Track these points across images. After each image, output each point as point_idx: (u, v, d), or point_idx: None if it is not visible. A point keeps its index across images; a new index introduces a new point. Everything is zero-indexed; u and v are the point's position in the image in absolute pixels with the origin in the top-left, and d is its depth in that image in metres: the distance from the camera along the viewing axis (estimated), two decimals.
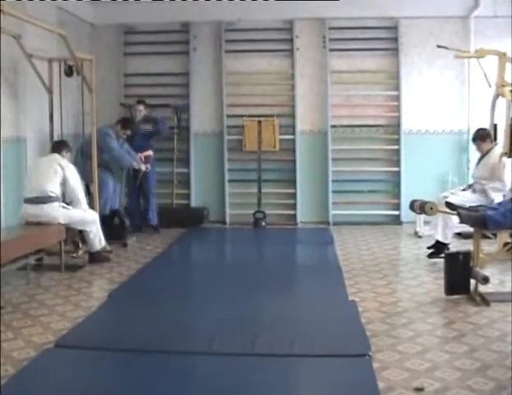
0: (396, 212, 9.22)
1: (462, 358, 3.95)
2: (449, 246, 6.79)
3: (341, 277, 6.03)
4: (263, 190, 9.23)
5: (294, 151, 9.35)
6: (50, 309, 5.12)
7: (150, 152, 8.61)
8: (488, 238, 6.64)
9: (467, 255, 5.31)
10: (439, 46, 7.75)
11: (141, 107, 8.73)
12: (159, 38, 9.37)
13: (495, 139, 7.13)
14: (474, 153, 8.91)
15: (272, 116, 9.22)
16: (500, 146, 6.85)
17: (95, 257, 6.82)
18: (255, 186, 9.21)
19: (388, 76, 9.26)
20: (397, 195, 9.20)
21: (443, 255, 5.54)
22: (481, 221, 5.16)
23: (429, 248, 6.92)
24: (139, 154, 8.36)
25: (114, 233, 7.68)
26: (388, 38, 9.23)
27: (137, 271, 6.46)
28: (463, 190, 7.13)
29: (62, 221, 6.40)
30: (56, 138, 7.34)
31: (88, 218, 6.72)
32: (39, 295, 5.54)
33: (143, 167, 8.16)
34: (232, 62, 9.32)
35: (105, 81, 9.06)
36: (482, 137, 7.05)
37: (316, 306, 5.15)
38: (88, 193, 7.73)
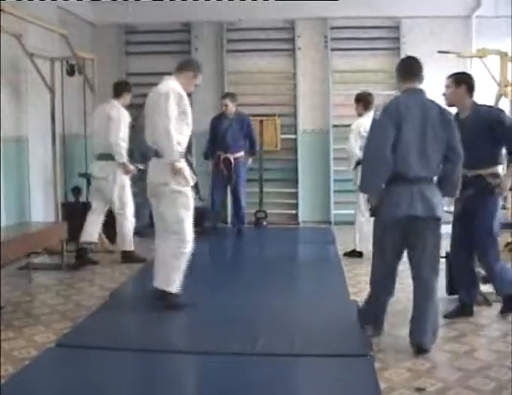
0: None
1: (463, 358, 3.96)
2: None
3: (342, 277, 6.03)
4: (265, 189, 9.22)
5: (295, 150, 9.35)
6: (51, 308, 5.13)
7: (240, 154, 8.34)
8: None
9: None
10: (440, 52, 7.75)
11: (227, 101, 8.25)
12: (160, 37, 9.38)
13: None
14: None
15: (274, 115, 9.22)
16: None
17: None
18: (257, 185, 9.20)
19: (389, 76, 9.21)
20: None
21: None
22: None
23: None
24: (228, 154, 8.22)
25: (116, 232, 7.68)
26: (389, 37, 9.23)
27: (138, 271, 6.47)
28: None
29: None
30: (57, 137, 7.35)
31: None
32: (41, 295, 5.56)
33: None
34: (233, 62, 9.32)
35: (107, 81, 9.03)
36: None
37: (317, 306, 5.15)
38: (89, 187, 7.71)
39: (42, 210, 7.41)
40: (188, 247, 5.08)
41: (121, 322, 4.74)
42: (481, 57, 7.40)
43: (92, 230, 6.84)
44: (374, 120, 4.21)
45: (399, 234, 4.16)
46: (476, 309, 4.98)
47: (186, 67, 5.35)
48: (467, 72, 5.05)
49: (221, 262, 7.34)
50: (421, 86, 4.28)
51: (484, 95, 8.09)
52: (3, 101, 6.37)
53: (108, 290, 5.65)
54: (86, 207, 7.51)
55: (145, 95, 8.84)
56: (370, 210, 4.33)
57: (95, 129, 6.86)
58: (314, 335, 4.43)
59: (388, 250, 4.23)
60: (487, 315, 4.87)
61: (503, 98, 7.07)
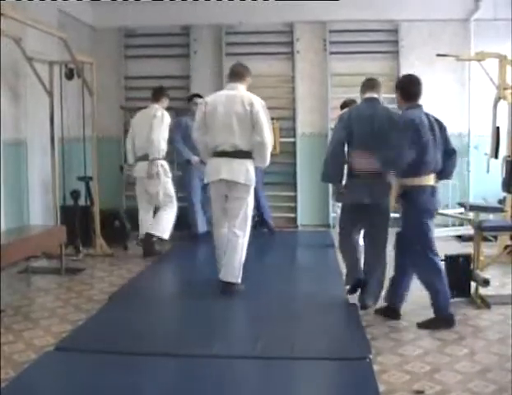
0: (396, 215, 9.16)
1: (462, 361, 3.96)
2: None
3: (341, 280, 6.01)
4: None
5: (294, 153, 9.34)
6: (51, 311, 5.13)
7: None
8: (488, 240, 6.65)
9: (467, 258, 5.31)
10: (438, 55, 7.77)
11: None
12: (159, 41, 9.38)
13: (498, 142, 7.10)
14: (475, 156, 8.94)
15: (273, 119, 9.11)
16: None
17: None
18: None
19: (388, 79, 9.18)
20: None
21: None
22: None
23: None
24: None
25: (115, 236, 7.70)
26: (388, 41, 9.24)
27: (137, 274, 6.46)
28: None
29: None
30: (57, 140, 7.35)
31: None
32: (40, 298, 5.55)
33: (196, 158, 7.76)
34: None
35: (106, 84, 9.06)
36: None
37: (317, 309, 5.15)
38: (88, 191, 7.71)
39: (41, 213, 7.41)
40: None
41: (120, 326, 4.73)
42: (479, 60, 7.41)
43: (144, 226, 7.36)
44: (334, 127, 5.38)
45: (355, 213, 5.19)
46: (475, 311, 5.00)
47: (247, 73, 5.87)
48: (412, 74, 5.01)
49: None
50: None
51: (483, 98, 8.16)
52: (3, 105, 6.38)
53: (107, 294, 5.64)
54: (84, 211, 7.53)
55: (144, 99, 9.00)
56: (336, 196, 5.48)
57: (137, 132, 7.36)
58: (314, 338, 4.43)
59: (349, 224, 5.27)
60: (487, 318, 4.87)
61: (502, 101, 7.07)
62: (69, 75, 7.33)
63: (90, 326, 4.74)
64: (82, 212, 7.48)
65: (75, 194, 7.45)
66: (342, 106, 7.06)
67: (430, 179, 4.74)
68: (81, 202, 7.63)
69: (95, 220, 7.42)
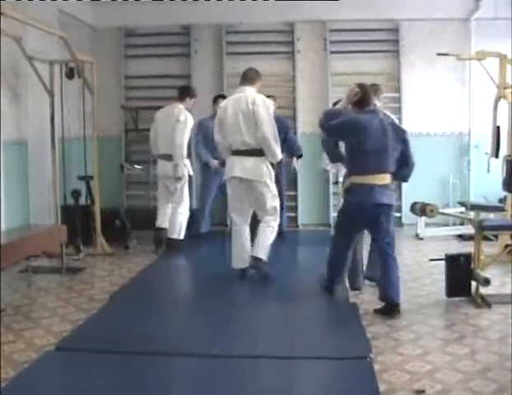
0: (397, 214, 9.18)
1: (463, 360, 3.96)
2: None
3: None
4: None
5: None
6: (51, 311, 5.13)
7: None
8: (489, 239, 6.64)
9: (468, 257, 5.31)
10: (439, 54, 7.77)
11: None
12: (160, 40, 9.37)
13: (498, 141, 7.10)
14: (475, 155, 8.94)
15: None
16: None
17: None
18: None
19: (388, 79, 9.25)
20: (399, 197, 9.17)
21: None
22: None
23: None
24: None
25: (116, 235, 7.70)
26: (388, 40, 9.23)
27: (138, 274, 6.46)
28: None
29: None
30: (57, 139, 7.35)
31: None
32: (40, 298, 5.55)
33: (215, 163, 7.93)
34: (233, 65, 9.31)
35: (106, 84, 9.05)
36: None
37: (317, 308, 5.16)
38: (88, 190, 7.70)
39: (41, 213, 7.40)
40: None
41: (121, 325, 4.73)
42: (480, 59, 7.40)
43: (163, 219, 7.59)
44: None
45: None
46: (476, 311, 5.00)
47: (258, 77, 6.09)
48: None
49: (220, 264, 7.31)
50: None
51: (483, 97, 8.16)
52: (3, 104, 6.37)
53: (107, 293, 5.65)
54: (85, 210, 7.53)
55: (144, 98, 9.00)
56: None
57: (159, 130, 7.51)
58: (314, 337, 4.43)
59: None
60: (487, 317, 4.88)
61: (502, 100, 7.07)
62: (69, 74, 7.32)
63: (90, 325, 4.74)
64: (83, 212, 7.48)
65: (75, 193, 7.45)
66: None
67: (374, 179, 4.97)
68: (82, 201, 7.63)
69: (95, 219, 7.43)
